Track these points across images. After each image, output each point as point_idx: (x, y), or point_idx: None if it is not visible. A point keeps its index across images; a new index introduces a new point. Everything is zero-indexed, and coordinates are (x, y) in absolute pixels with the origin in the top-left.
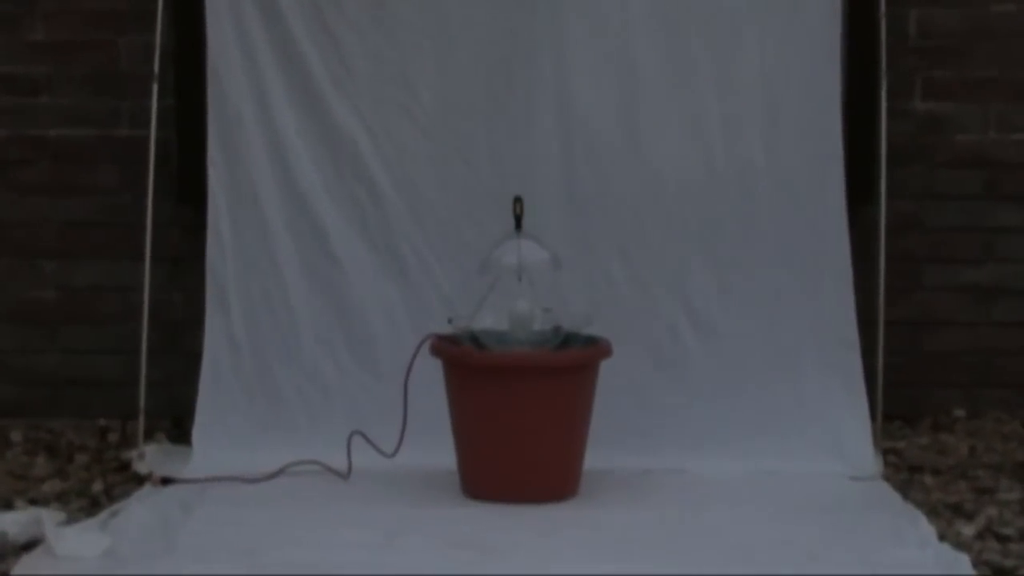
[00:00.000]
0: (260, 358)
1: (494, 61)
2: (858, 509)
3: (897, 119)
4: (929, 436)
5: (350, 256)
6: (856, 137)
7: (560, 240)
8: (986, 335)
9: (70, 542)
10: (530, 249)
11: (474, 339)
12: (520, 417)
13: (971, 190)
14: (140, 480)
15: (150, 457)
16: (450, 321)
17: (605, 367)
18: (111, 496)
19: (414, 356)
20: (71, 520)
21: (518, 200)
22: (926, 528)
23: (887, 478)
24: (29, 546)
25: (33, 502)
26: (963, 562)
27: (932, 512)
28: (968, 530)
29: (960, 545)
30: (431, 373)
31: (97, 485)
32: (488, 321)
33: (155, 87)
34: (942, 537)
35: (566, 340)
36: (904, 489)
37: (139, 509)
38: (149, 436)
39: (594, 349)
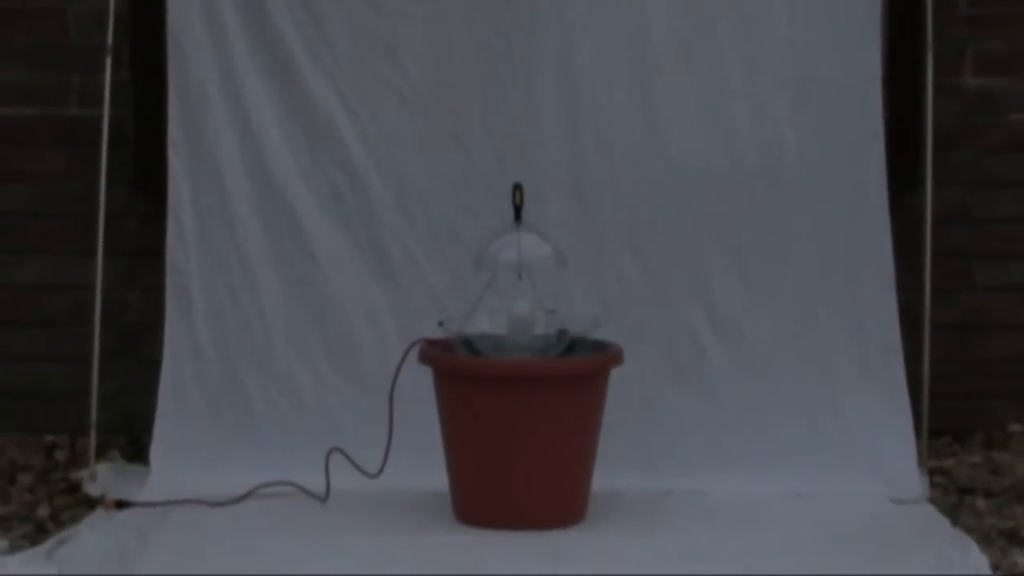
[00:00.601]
0: (227, 366)
1: (491, 31)
2: (901, 536)
3: (945, 96)
4: (981, 454)
5: (328, 251)
6: (899, 117)
7: (565, 233)
8: None
9: (12, 574)
10: (531, 243)
11: (468, 345)
12: (520, 432)
13: None
14: (91, 504)
15: (102, 478)
16: (441, 324)
17: (616, 376)
18: (58, 522)
19: (400, 364)
20: (13, 549)
21: (518, 188)
22: (978, 557)
23: (934, 501)
24: None
25: None
26: None
27: (984, 539)
28: None
29: None
30: (420, 383)
31: (43, 509)
32: (484, 324)
33: (108, 60)
34: (995, 567)
35: (572, 346)
36: (953, 513)
37: (90, 536)
38: (101, 454)
39: (603, 356)
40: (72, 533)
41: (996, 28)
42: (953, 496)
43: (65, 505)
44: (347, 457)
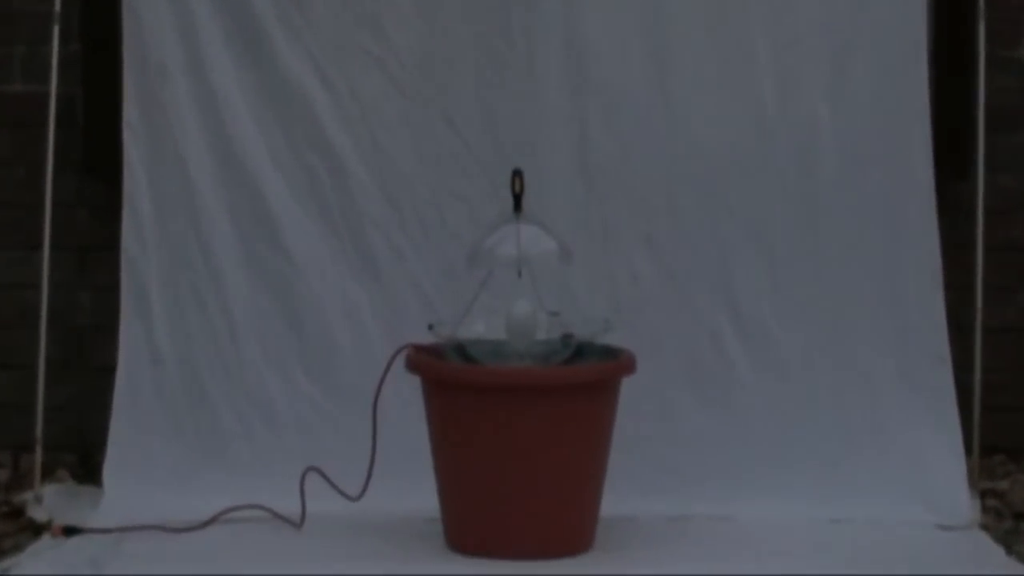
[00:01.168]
0: (190, 375)
1: None
2: (949, 567)
3: (998, 71)
4: None
5: (304, 246)
6: (946, 94)
7: (571, 225)
8: None
9: None
10: (532, 236)
11: (461, 351)
12: (520, 450)
13: None
14: (37, 530)
15: (49, 500)
16: (431, 328)
17: (628, 386)
18: (0, 550)
19: (385, 372)
20: None
21: (517, 174)
22: None
23: (986, 527)
24: None
25: None
26: None
27: None
28: None
29: None
30: (407, 394)
31: None
32: (479, 328)
33: (56, 29)
34: None
35: (578, 352)
36: (1007, 540)
37: (35, 567)
38: (48, 473)
39: (614, 364)
40: (15, 563)
41: None
42: (1008, 522)
43: (6, 532)
44: (325, 477)
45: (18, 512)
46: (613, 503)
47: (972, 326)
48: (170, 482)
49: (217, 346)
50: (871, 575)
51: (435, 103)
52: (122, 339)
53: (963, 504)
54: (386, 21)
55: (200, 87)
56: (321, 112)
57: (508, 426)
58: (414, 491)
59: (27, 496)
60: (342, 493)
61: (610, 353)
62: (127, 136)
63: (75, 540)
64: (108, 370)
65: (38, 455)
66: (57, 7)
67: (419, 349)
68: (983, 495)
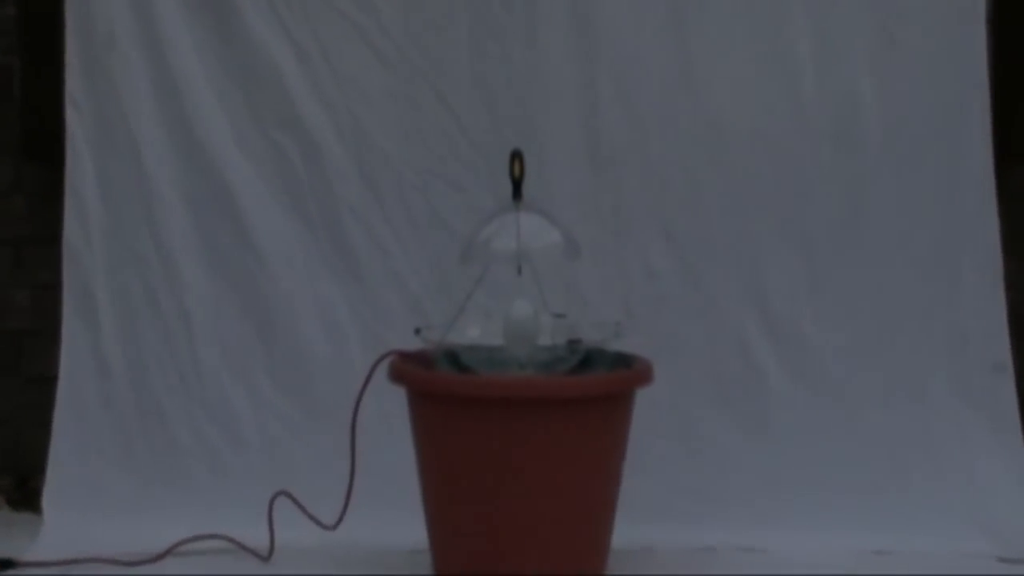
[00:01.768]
0: (142, 385)
1: None
2: None
3: None
4: None
5: (273, 237)
6: (1008, 65)
7: (578, 214)
8: None
9: None
10: (534, 228)
11: (453, 359)
12: (520, 472)
13: None
14: None
15: None
16: (418, 332)
17: (644, 399)
18: None
19: (365, 383)
20: None
21: (517, 156)
22: None
23: None
24: None
25: None
26: None
27: None
28: None
29: None
30: (391, 408)
31: None
32: (474, 332)
33: None
34: None
35: (587, 360)
36: None
37: None
38: None
39: (627, 373)
40: None
41: None
42: None
43: None
44: (296, 503)
45: None
46: (627, 532)
47: None
48: (119, 509)
49: (173, 353)
50: None
51: (423, 76)
52: (64, 346)
53: None
54: None
55: (154, 58)
56: (293, 86)
57: (507, 445)
58: (398, 519)
59: None
60: (316, 521)
61: (623, 361)
62: (71, 114)
63: (10, 575)
64: (48, 380)
65: None
66: None
67: (404, 357)
68: None
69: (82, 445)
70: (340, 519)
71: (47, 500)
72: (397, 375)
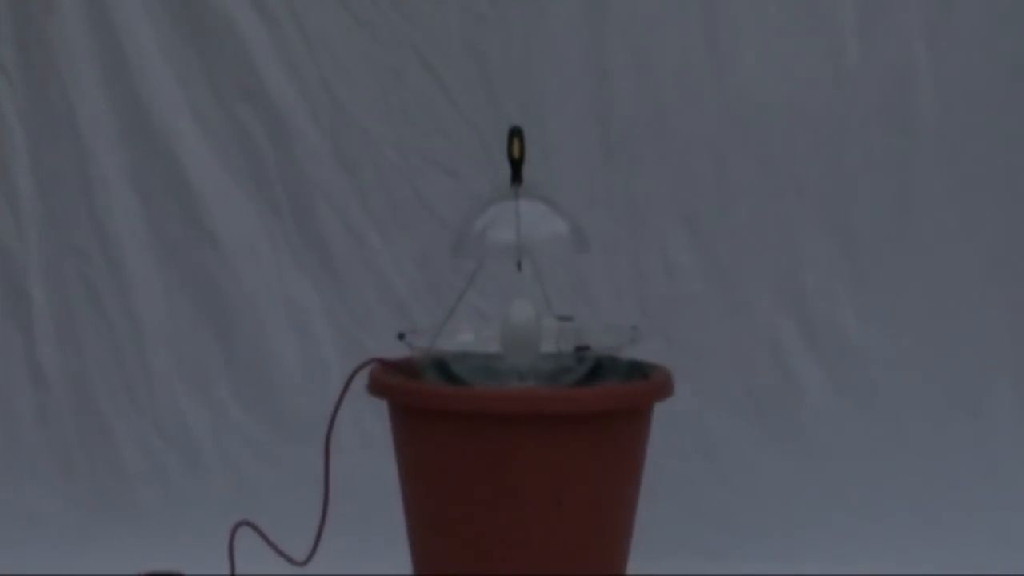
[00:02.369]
0: (83, 399)
1: None
2: None
3: None
4: None
5: (233, 226)
6: None
7: (587, 201)
8: None
9: None
10: (536, 216)
11: (442, 368)
12: (520, 497)
13: None
14: None
15: None
16: (402, 337)
17: (663, 413)
18: None
19: (341, 396)
20: None
21: (516, 134)
22: None
23: None
24: None
25: None
26: None
27: None
28: None
29: None
30: (371, 425)
31: None
32: (466, 338)
33: None
34: None
35: (597, 369)
36: None
37: None
38: None
39: (644, 385)
40: None
41: None
42: None
43: None
44: (261, 535)
45: None
46: (643, 566)
47: None
48: (59, 540)
49: (119, 361)
50: None
51: (407, 40)
52: None
53: None
54: None
55: (96, 17)
56: (257, 52)
57: (503, 468)
58: (378, 552)
59: None
60: (284, 555)
61: (639, 371)
62: (0, 84)
63: None
64: None
65: None
66: None
67: (386, 365)
68: None
69: (14, 467)
70: (312, 553)
71: None
72: (378, 387)
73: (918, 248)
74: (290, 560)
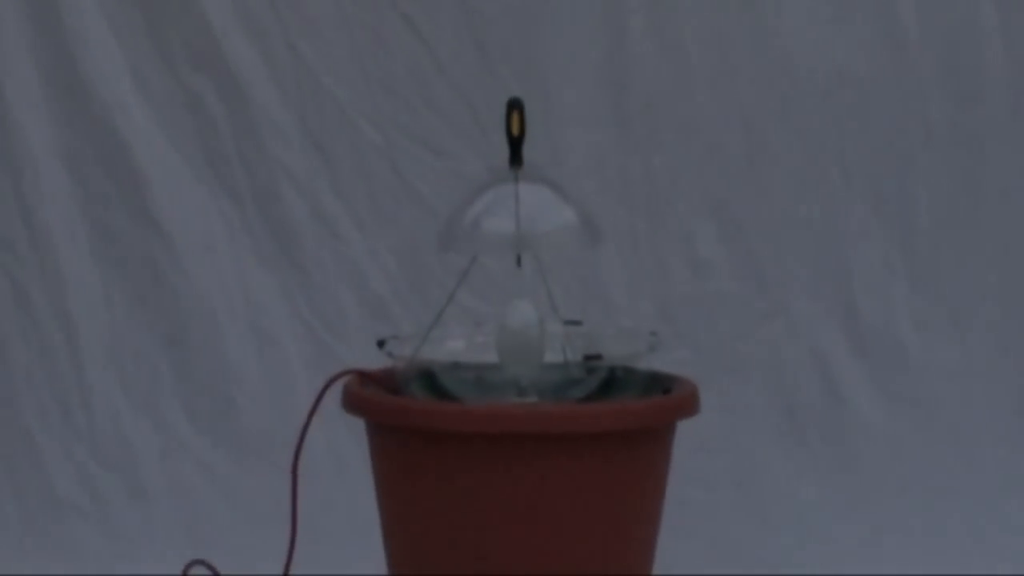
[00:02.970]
0: (9, 416)
1: None
2: None
3: None
4: None
5: (185, 215)
6: None
7: (599, 185)
8: None
9: None
10: (539, 204)
11: (429, 380)
12: (516, 528)
13: None
14: None
15: None
16: (382, 345)
17: (687, 432)
18: None
19: (311, 413)
20: None
21: (516, 107)
22: None
23: None
24: None
25: None
26: None
27: None
28: None
29: None
30: (345, 446)
31: None
32: (457, 345)
33: None
34: None
35: (610, 382)
36: None
37: None
38: None
39: (664, 401)
40: None
41: None
42: None
43: None
44: (217, 574)
45: None
46: None
47: None
48: None
49: (51, 372)
50: None
51: None
52: None
53: None
54: None
55: None
56: (212, 9)
57: (498, 495)
58: None
59: None
60: None
61: (658, 383)
62: None
63: None
64: None
65: None
66: None
67: (364, 377)
68: None
69: None
70: None
71: None
72: (354, 402)
73: (984, 241)
74: None
